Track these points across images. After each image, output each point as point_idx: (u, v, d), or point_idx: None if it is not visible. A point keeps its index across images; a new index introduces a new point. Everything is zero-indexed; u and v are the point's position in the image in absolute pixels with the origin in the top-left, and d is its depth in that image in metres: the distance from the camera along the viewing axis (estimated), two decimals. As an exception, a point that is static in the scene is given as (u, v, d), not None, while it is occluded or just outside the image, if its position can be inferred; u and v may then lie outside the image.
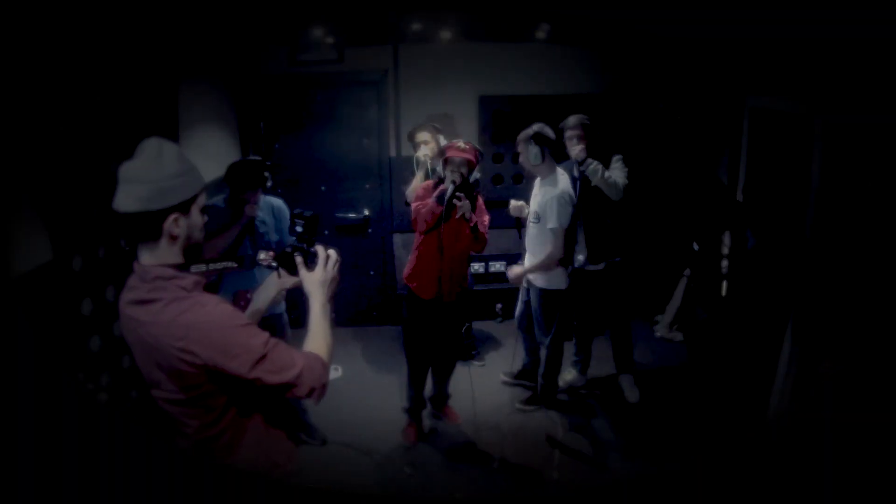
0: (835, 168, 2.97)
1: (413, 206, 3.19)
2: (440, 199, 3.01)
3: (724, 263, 4.25)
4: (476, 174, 3.18)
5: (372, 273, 4.96)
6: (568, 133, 3.57)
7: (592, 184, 3.47)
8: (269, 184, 2.95)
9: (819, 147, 3.12)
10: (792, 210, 3.43)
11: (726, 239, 4.25)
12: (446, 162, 3.10)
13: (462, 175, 3.06)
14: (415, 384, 3.51)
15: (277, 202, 3.16)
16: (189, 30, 3.34)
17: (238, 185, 2.86)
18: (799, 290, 3.29)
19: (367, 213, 4.82)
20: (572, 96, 4.68)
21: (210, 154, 3.96)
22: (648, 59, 4.63)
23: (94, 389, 2.24)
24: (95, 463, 2.02)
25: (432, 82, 4.63)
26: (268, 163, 2.96)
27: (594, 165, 3.42)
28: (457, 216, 3.07)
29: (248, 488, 1.50)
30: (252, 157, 2.99)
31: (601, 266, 3.65)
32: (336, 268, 1.68)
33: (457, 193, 2.99)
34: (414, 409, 3.57)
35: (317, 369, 1.49)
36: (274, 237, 3.08)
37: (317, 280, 1.64)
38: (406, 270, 3.37)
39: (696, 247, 4.29)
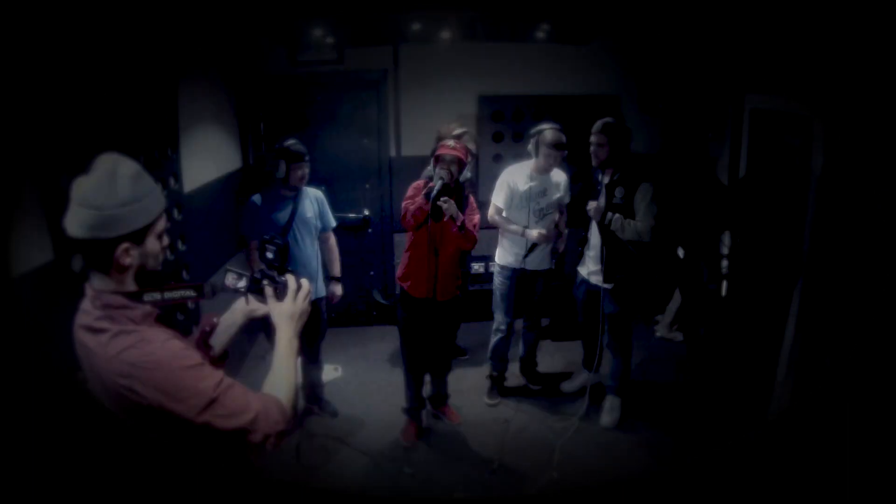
0: (834, 167, 2.97)
1: (403, 203, 3.20)
2: (428, 195, 3.02)
3: (724, 264, 4.25)
4: (467, 173, 3.19)
5: (372, 273, 4.96)
6: (592, 138, 3.41)
7: (614, 201, 3.36)
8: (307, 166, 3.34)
9: (819, 147, 3.13)
10: (791, 210, 3.43)
11: (726, 239, 4.25)
12: (437, 160, 3.12)
13: (451, 173, 3.07)
14: (412, 384, 3.51)
15: (318, 192, 3.55)
16: (189, 29, 3.33)
17: (289, 156, 3.29)
18: (799, 289, 3.29)
19: (367, 213, 4.82)
20: (572, 97, 4.69)
21: (210, 154, 3.96)
22: (649, 59, 4.64)
23: (84, 374, 2.23)
24: (96, 463, 2.02)
25: (432, 82, 4.64)
26: (306, 157, 3.34)
27: (616, 223, 3.31)
28: (444, 218, 3.08)
29: (247, 486, 1.49)
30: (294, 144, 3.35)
31: (609, 286, 3.50)
32: (307, 300, 1.54)
33: (442, 197, 3.00)
34: (413, 408, 3.57)
35: (273, 414, 1.34)
36: (317, 224, 3.49)
37: (285, 312, 1.50)
38: (399, 270, 3.39)
39: (681, 253, 4.27)
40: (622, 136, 3.38)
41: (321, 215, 3.53)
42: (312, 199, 3.49)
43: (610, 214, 3.34)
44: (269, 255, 1.56)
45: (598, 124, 3.41)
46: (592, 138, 3.40)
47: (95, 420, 1.40)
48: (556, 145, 3.46)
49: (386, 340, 4.69)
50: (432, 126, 4.65)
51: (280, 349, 1.47)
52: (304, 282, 1.55)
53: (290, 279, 1.54)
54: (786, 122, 3.64)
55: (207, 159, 3.87)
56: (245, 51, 4.42)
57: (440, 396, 3.71)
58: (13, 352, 1.87)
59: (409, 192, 3.22)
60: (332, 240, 3.65)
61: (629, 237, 3.32)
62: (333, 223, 3.62)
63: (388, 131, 4.72)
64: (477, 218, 3.27)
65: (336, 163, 4.70)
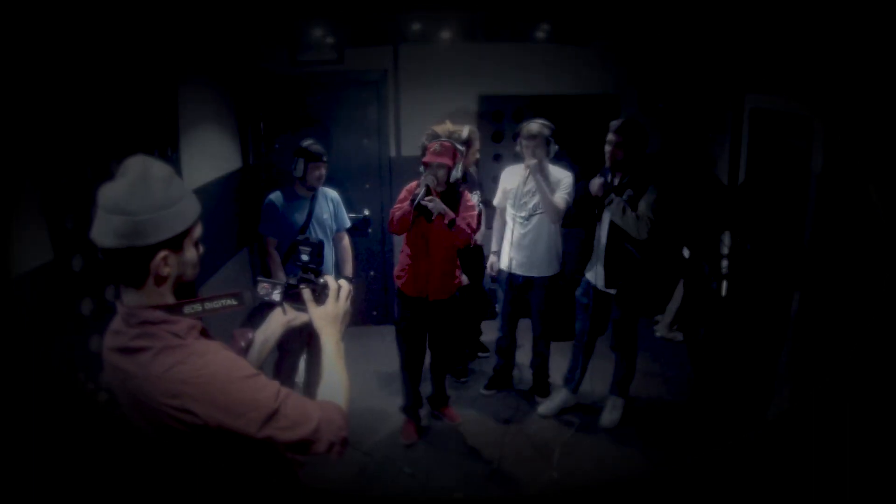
0: (835, 167, 2.97)
1: (392, 209, 3.24)
2: (413, 201, 3.07)
3: (724, 264, 4.25)
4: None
5: (372, 273, 4.96)
6: (609, 136, 3.30)
7: (619, 220, 3.26)
8: (324, 167, 3.41)
9: (819, 147, 3.12)
10: (791, 210, 3.43)
11: (726, 239, 4.25)
12: (425, 165, 3.15)
13: (436, 178, 3.11)
14: (409, 382, 3.53)
15: (334, 193, 3.60)
16: (189, 29, 3.34)
17: (308, 156, 3.36)
18: (799, 290, 3.29)
19: (366, 213, 4.82)
20: (572, 96, 4.69)
21: (210, 154, 3.96)
22: (649, 59, 4.64)
23: (94, 389, 2.24)
24: (96, 462, 2.02)
25: (432, 82, 4.64)
26: (324, 158, 3.41)
27: (616, 203, 3.24)
28: (434, 217, 3.11)
29: (248, 485, 1.48)
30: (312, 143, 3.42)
31: (613, 291, 3.45)
32: (349, 300, 1.47)
33: (427, 197, 3.05)
34: (410, 407, 3.58)
35: (335, 421, 1.27)
36: (332, 224, 3.54)
37: (329, 315, 1.43)
38: (396, 269, 3.44)
39: (686, 253, 4.27)
40: (639, 139, 3.28)
41: (336, 215, 3.59)
42: (328, 199, 3.55)
43: (612, 195, 3.25)
44: (305, 256, 1.48)
45: (614, 123, 3.30)
46: (609, 136, 3.30)
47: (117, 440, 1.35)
48: (527, 135, 3.43)
49: (386, 340, 4.68)
50: (432, 126, 4.64)
51: (329, 353, 1.40)
52: (343, 281, 1.48)
53: (329, 280, 1.46)
54: (786, 122, 3.64)
55: (207, 159, 3.87)
56: (245, 51, 4.41)
57: (440, 397, 3.72)
58: (13, 352, 1.87)
59: (402, 194, 3.26)
60: (346, 240, 3.69)
61: (626, 226, 3.24)
62: (348, 223, 3.67)
63: (388, 131, 4.72)
64: (472, 215, 3.27)
65: (336, 163, 4.70)
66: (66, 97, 2.25)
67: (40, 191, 2.14)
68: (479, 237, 3.98)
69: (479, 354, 4.52)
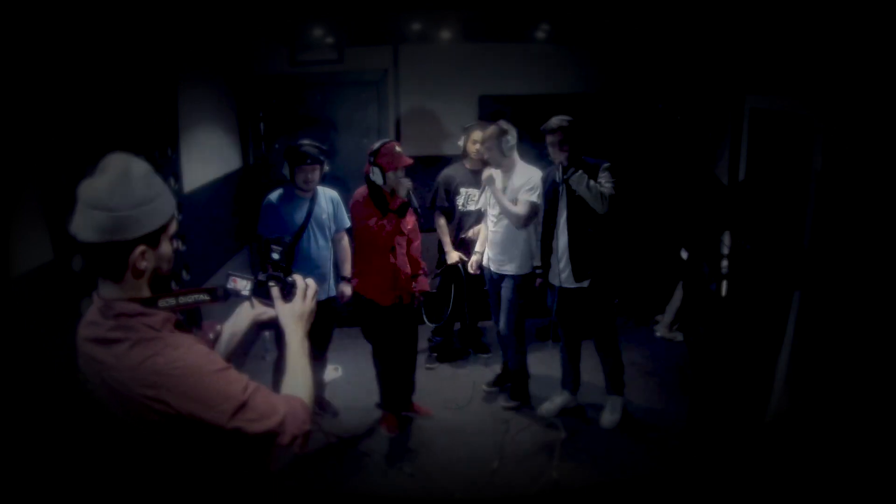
0: (835, 167, 2.97)
1: (367, 224, 3.22)
2: (401, 211, 3.23)
3: (724, 264, 4.25)
4: (408, 182, 3.23)
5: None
6: (548, 138, 3.36)
7: (577, 194, 3.31)
8: (326, 167, 3.39)
9: (819, 147, 3.12)
10: (792, 210, 3.43)
11: (726, 239, 4.25)
12: (395, 169, 3.15)
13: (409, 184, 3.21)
14: (384, 380, 3.60)
15: (334, 193, 3.58)
16: (189, 29, 3.34)
17: (292, 158, 3.31)
18: (799, 290, 3.29)
19: (367, 213, 4.82)
20: (572, 96, 4.69)
21: (210, 154, 3.96)
22: (648, 59, 4.64)
23: (94, 389, 2.24)
24: (95, 462, 2.02)
25: (432, 82, 4.64)
26: (309, 160, 3.30)
27: (579, 175, 3.26)
28: (407, 227, 3.27)
29: (219, 475, 1.47)
30: (306, 143, 3.35)
31: (585, 284, 3.44)
32: (314, 299, 1.52)
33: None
34: (387, 403, 3.64)
35: (299, 414, 1.32)
36: (331, 224, 3.52)
37: (295, 313, 1.48)
38: (364, 284, 3.40)
39: (684, 255, 4.27)
40: (576, 130, 3.34)
41: (335, 215, 3.57)
42: (328, 200, 3.53)
43: (573, 169, 3.29)
44: (275, 255, 1.54)
45: (553, 122, 3.35)
46: (549, 139, 3.36)
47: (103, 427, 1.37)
48: (480, 141, 3.59)
49: (386, 340, 4.69)
50: (432, 126, 4.65)
51: (293, 350, 1.45)
52: (311, 281, 1.53)
53: (297, 279, 1.51)
54: (786, 122, 3.64)
55: (207, 159, 3.88)
56: (245, 51, 4.42)
57: (410, 394, 3.76)
58: (13, 351, 1.88)
59: (363, 211, 3.25)
60: (346, 240, 3.68)
61: (589, 197, 3.26)
62: (347, 223, 3.64)
63: (388, 131, 4.72)
64: (417, 243, 3.48)
65: (336, 163, 4.70)
66: (66, 97, 2.25)
67: (40, 191, 2.14)
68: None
69: (481, 355, 4.52)
